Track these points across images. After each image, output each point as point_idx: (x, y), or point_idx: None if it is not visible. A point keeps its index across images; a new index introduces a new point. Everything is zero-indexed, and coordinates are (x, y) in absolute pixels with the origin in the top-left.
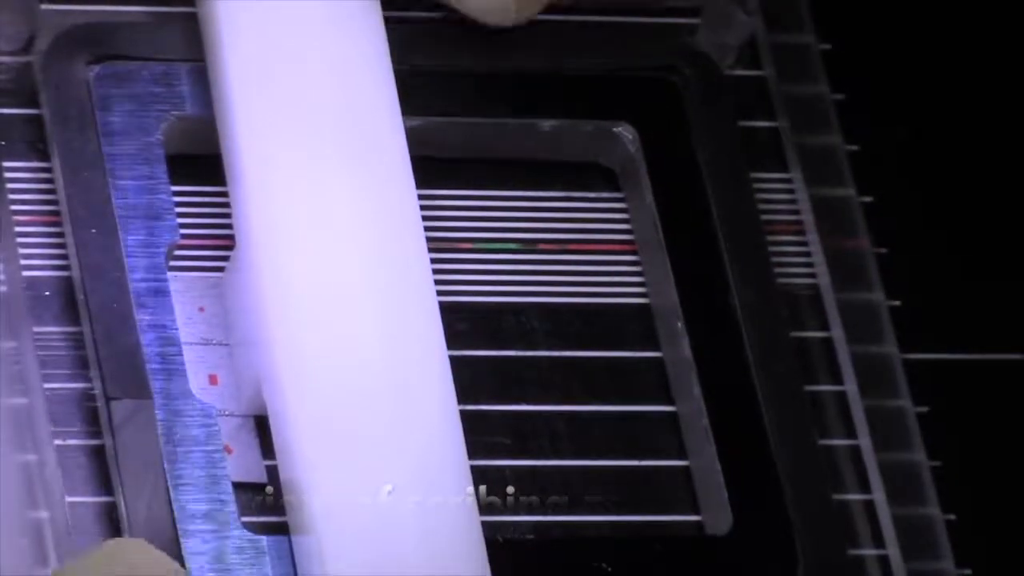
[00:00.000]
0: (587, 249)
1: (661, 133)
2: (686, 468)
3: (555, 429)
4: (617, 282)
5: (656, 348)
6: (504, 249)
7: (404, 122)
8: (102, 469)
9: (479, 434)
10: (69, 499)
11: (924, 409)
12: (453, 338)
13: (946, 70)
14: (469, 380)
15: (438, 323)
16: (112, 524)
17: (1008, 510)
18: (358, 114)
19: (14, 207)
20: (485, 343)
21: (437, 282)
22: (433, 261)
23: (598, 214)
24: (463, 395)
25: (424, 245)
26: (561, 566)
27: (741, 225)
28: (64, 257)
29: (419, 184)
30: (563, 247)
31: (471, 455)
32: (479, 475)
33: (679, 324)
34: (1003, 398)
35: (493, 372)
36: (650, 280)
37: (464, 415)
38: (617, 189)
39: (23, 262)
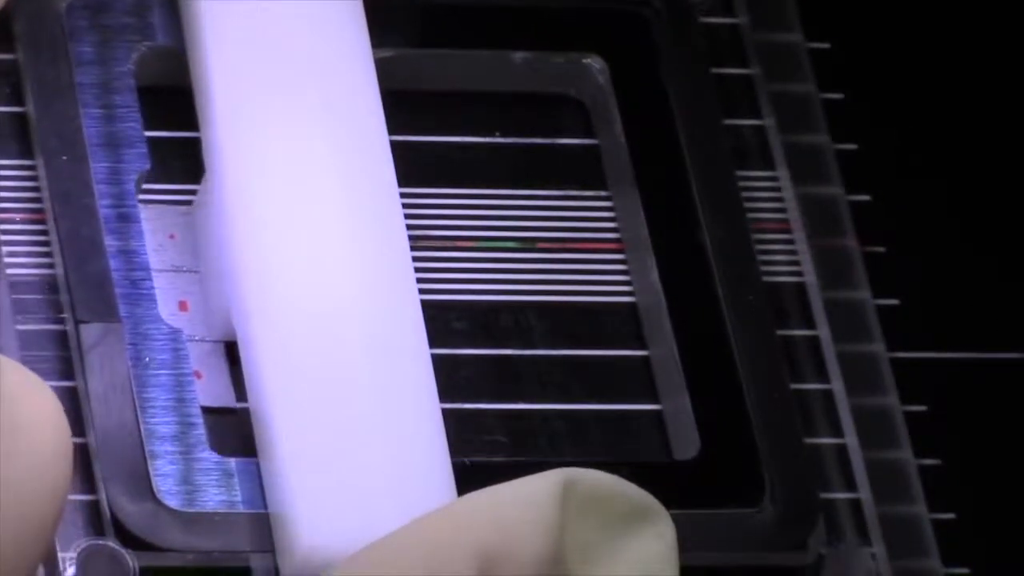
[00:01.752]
0: (587, 248)
1: (631, 65)
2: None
3: (553, 428)
4: (614, 280)
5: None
6: (502, 247)
7: (375, 54)
8: (72, 395)
9: (477, 432)
10: None
11: (923, 408)
12: (450, 336)
13: (946, 69)
14: (466, 378)
15: (407, 253)
16: (80, 446)
17: (1008, 510)
18: (329, 48)
19: None
20: (483, 341)
21: (434, 280)
22: (430, 259)
23: (597, 212)
24: (460, 394)
25: (394, 178)
26: None
27: (711, 158)
28: (35, 181)
29: (414, 180)
30: (562, 245)
31: (468, 453)
32: (477, 473)
33: (650, 263)
34: (1003, 397)
35: (491, 370)
36: (620, 217)
37: (461, 414)
38: (588, 123)
39: None
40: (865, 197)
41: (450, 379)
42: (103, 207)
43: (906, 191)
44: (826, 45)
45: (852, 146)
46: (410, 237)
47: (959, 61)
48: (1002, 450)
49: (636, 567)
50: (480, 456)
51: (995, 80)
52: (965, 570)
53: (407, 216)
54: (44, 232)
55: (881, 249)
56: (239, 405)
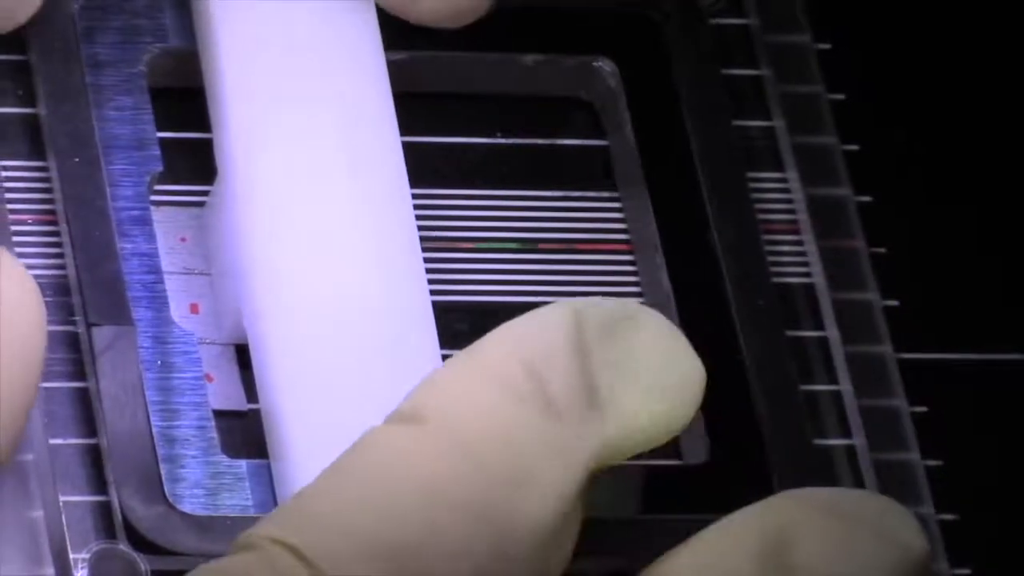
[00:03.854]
0: (588, 249)
1: (641, 67)
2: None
3: None
4: (617, 282)
5: None
6: (504, 248)
7: (388, 56)
8: (83, 397)
9: None
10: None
11: (924, 409)
12: (453, 338)
13: (947, 70)
14: None
15: (419, 256)
16: (92, 449)
17: (1009, 510)
18: (342, 50)
19: None
20: None
21: (437, 281)
22: (433, 260)
23: (599, 214)
24: None
25: (406, 180)
26: None
27: (720, 159)
28: (47, 183)
29: (425, 181)
30: (565, 247)
31: None
32: None
33: (660, 264)
34: (1004, 398)
35: None
36: (630, 218)
37: None
38: (598, 125)
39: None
40: (867, 198)
41: (433, 314)
42: (115, 209)
43: (909, 191)
44: (828, 45)
45: (855, 147)
46: (420, 238)
47: (961, 61)
48: (1003, 450)
49: (660, 367)
50: None
51: (997, 80)
52: (966, 570)
53: (417, 217)
54: (56, 234)
55: (883, 250)
56: (250, 407)
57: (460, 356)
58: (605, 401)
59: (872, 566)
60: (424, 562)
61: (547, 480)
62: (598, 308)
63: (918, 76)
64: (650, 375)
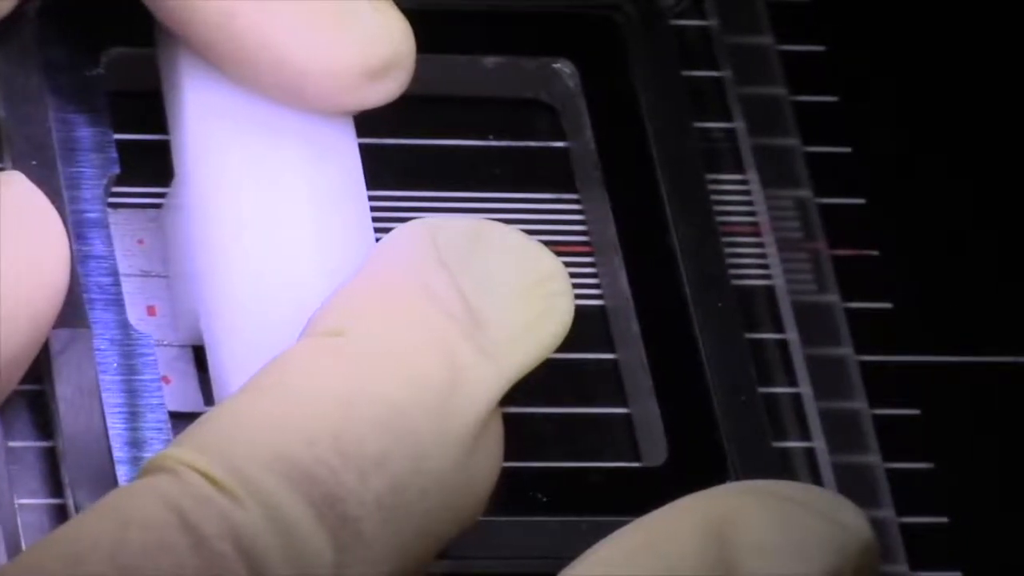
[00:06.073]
0: (557, 251)
1: (601, 69)
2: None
3: (523, 431)
4: (576, 283)
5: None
6: None
7: None
8: (39, 400)
9: None
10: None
11: (918, 412)
12: None
13: (941, 71)
14: None
15: None
16: (48, 452)
17: (1004, 514)
18: None
19: None
20: None
21: None
22: None
23: (559, 215)
24: None
25: (363, 182)
26: (495, 497)
27: (680, 161)
28: None
29: (386, 183)
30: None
31: None
32: None
33: (619, 266)
34: (998, 400)
35: None
36: (590, 220)
37: None
38: (558, 127)
39: None
40: (861, 200)
41: None
42: (72, 212)
43: (902, 194)
44: (822, 48)
45: (847, 149)
46: (376, 240)
47: (958, 63)
48: (997, 453)
49: (518, 274)
50: None
51: (994, 81)
52: (957, 573)
53: (379, 220)
54: None
55: (876, 252)
56: (207, 409)
57: (358, 277)
58: (482, 315)
59: (816, 542)
60: (339, 480)
61: (469, 391)
62: (447, 228)
63: (911, 78)
64: (512, 283)
